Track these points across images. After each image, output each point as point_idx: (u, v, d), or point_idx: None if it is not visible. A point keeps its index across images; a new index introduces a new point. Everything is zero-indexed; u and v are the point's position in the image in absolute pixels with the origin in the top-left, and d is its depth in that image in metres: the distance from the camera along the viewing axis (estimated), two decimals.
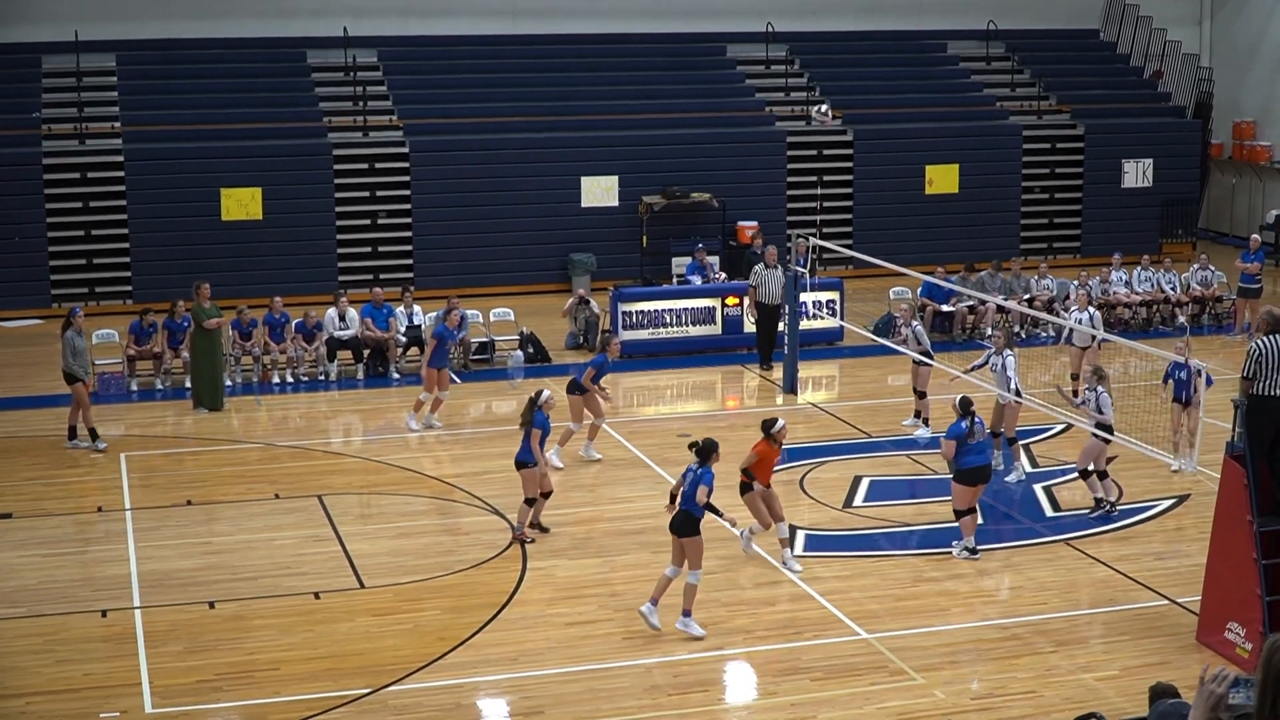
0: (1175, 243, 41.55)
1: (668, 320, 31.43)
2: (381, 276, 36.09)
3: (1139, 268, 34.32)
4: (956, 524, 20.05)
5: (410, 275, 36.68)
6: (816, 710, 15.74)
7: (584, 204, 37.92)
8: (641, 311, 31.33)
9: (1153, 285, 33.98)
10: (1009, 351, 23.24)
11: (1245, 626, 16.62)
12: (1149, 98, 43.82)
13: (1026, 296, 32.84)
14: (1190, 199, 42.56)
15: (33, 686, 16.32)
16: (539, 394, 20.96)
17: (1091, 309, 27.39)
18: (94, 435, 25.13)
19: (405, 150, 37.35)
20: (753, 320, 30.44)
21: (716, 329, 31.59)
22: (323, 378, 29.61)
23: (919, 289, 32.24)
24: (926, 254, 36.22)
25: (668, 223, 37.68)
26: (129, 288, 35.72)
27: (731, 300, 31.65)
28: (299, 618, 18.13)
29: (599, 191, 37.97)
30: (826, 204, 39.33)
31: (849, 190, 40.06)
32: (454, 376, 27.67)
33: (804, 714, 15.66)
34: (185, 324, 28.49)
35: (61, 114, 36.93)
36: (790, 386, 28.32)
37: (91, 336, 26.28)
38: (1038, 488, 22.92)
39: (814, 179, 39.33)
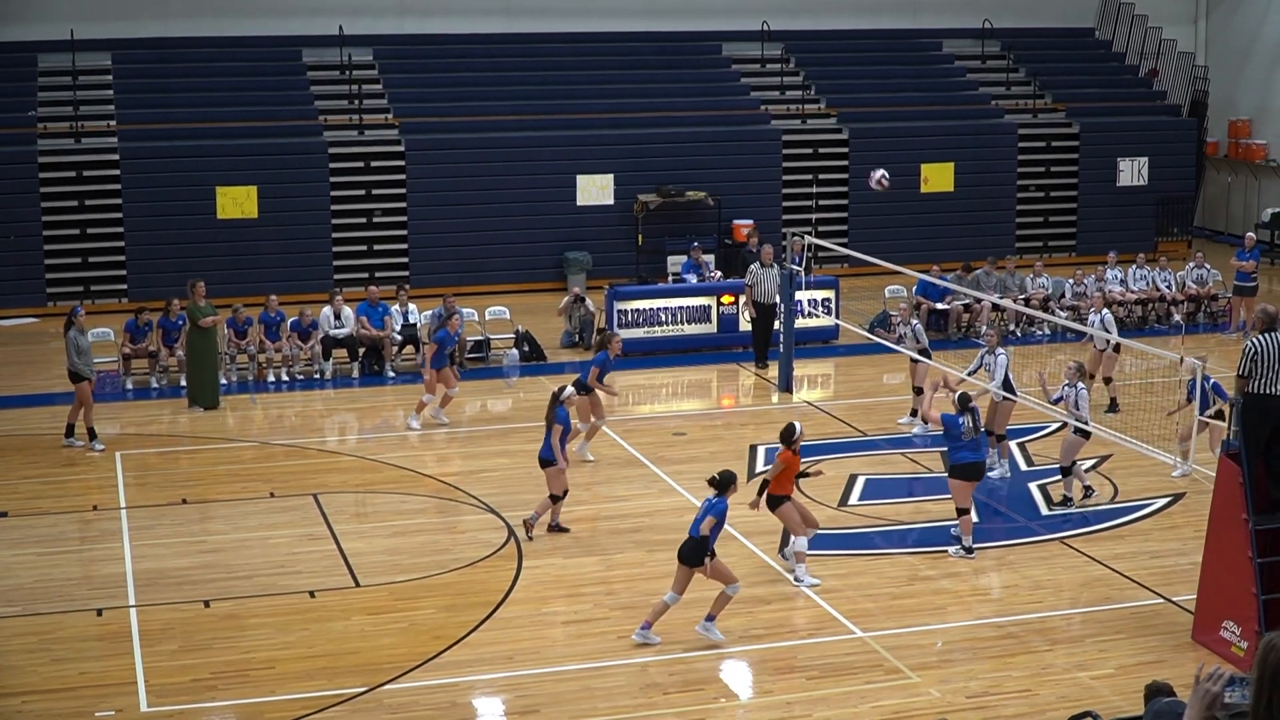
0: (1171, 241, 41.55)
1: (663, 319, 31.42)
2: (377, 275, 36.11)
3: (1134, 266, 34.33)
4: (955, 521, 20.10)
5: (406, 274, 36.67)
6: (812, 709, 15.74)
7: (579, 202, 37.91)
8: (637, 310, 31.32)
9: (1148, 283, 33.99)
10: (1001, 350, 23.25)
11: (1241, 625, 16.62)
12: (1144, 96, 43.83)
13: (1023, 296, 32.84)
14: (1186, 197, 42.58)
15: (28, 685, 16.31)
16: (562, 389, 21.06)
17: (1106, 310, 27.37)
18: (92, 435, 25.11)
19: (401, 149, 37.33)
20: (749, 319, 30.43)
21: (712, 327, 31.59)
22: (318, 376, 29.60)
23: (914, 287, 32.23)
24: (922, 252, 36.22)
25: (663, 221, 37.67)
26: (124, 286, 35.69)
27: (727, 299, 31.65)
28: (294, 616, 18.12)
29: (594, 190, 37.96)
30: (822, 202, 39.35)
31: (844, 189, 40.05)
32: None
33: (799, 712, 15.67)
34: (180, 322, 28.47)
35: (57, 112, 36.91)
36: (786, 385, 28.32)
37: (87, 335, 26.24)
38: (1032, 486, 22.93)
39: (809, 177, 39.36)
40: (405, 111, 38.41)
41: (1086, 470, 22.97)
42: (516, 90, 39.43)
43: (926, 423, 25.17)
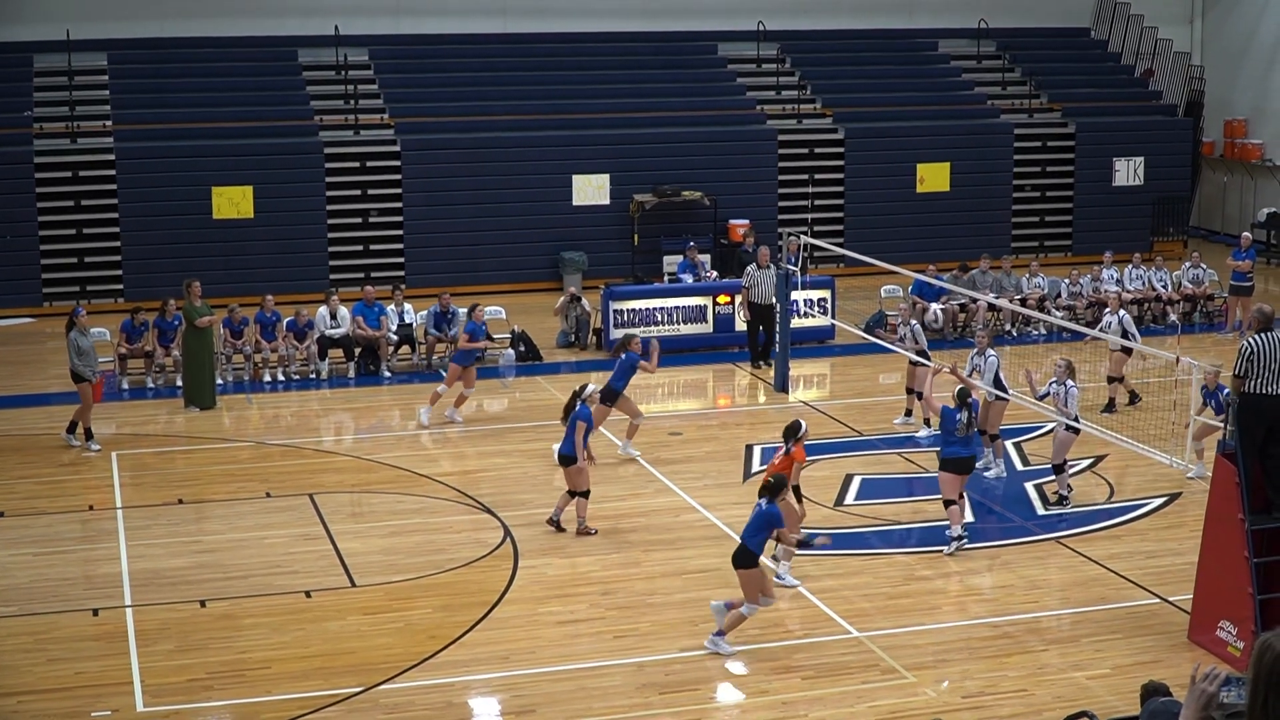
0: (1167, 241, 41.56)
1: (659, 318, 31.42)
2: (373, 275, 36.12)
3: (1130, 266, 34.34)
4: (946, 520, 20.19)
5: (401, 273, 36.68)
6: (808, 709, 15.74)
7: (575, 202, 37.91)
8: (633, 310, 31.33)
9: (1144, 283, 34.00)
10: (991, 352, 23.25)
11: (1237, 625, 16.63)
12: (1140, 96, 43.85)
13: (1019, 296, 32.85)
14: (1181, 197, 42.60)
15: (24, 685, 16.30)
16: (583, 388, 21.22)
17: (1123, 311, 27.37)
18: (89, 435, 25.11)
19: (396, 149, 37.33)
20: (745, 320, 30.44)
21: (708, 327, 31.59)
22: (314, 376, 29.60)
23: (910, 287, 32.22)
24: (918, 252, 36.22)
25: (659, 221, 37.68)
26: (120, 286, 35.68)
27: (723, 299, 31.66)
28: (290, 616, 18.12)
29: (590, 190, 37.96)
30: (818, 202, 39.36)
31: (840, 189, 40.06)
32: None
33: (795, 712, 15.66)
34: (176, 322, 28.47)
35: (53, 113, 36.90)
36: (782, 385, 28.32)
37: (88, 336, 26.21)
38: (1028, 485, 22.93)
39: (805, 177, 39.37)
40: (401, 111, 38.40)
41: (1078, 472, 22.98)
42: (512, 90, 39.43)
43: (928, 421, 25.22)
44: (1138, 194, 41.61)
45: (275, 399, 28.63)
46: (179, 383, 28.15)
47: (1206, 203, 45.69)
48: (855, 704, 15.80)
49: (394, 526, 21.31)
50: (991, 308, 31.93)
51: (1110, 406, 26.67)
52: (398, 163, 37.28)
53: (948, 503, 20.12)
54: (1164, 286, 34.06)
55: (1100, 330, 26.88)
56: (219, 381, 28.33)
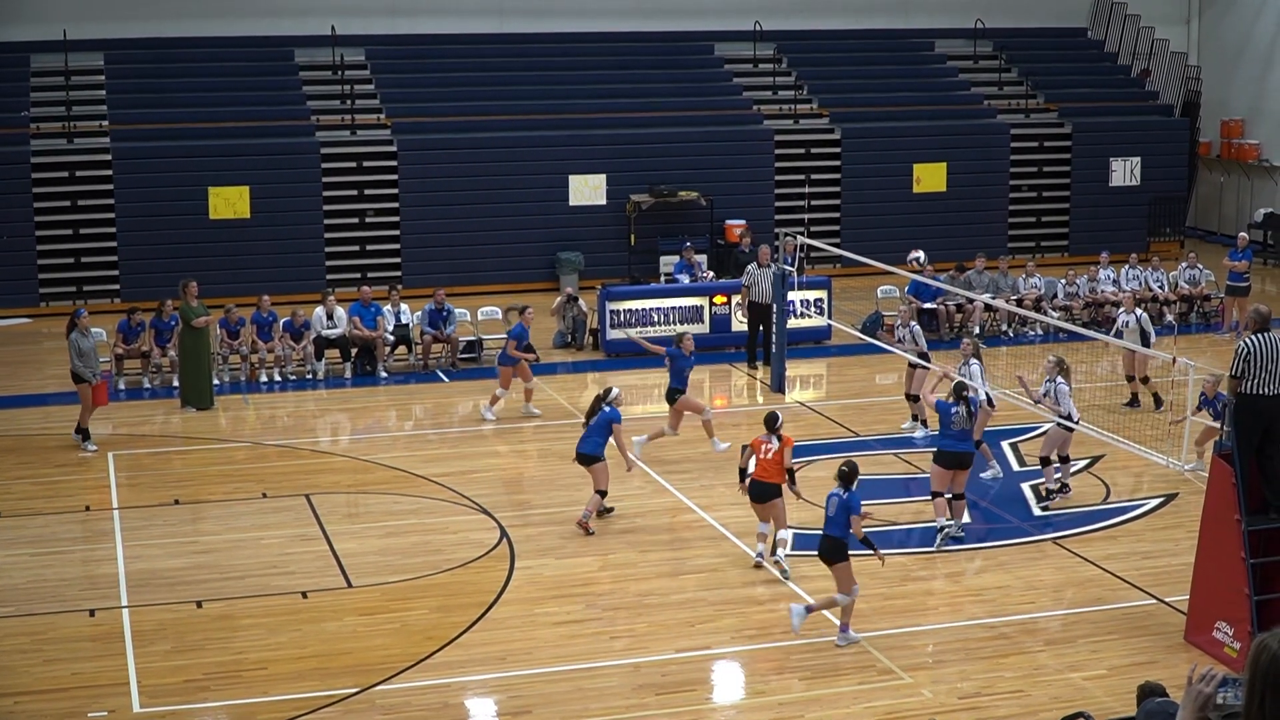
0: (1163, 241, 41.58)
1: (655, 319, 31.41)
2: (369, 275, 36.10)
3: (1127, 266, 34.36)
4: (950, 521, 20.23)
5: (398, 274, 36.68)
6: (804, 709, 15.74)
7: (572, 202, 37.91)
8: (629, 310, 31.33)
9: (1140, 283, 34.00)
10: (974, 360, 23.27)
11: (1233, 626, 16.64)
12: (1136, 96, 43.87)
13: (1015, 296, 32.85)
14: (1178, 197, 42.61)
15: (21, 686, 16.29)
16: (608, 391, 21.48)
17: (1139, 311, 27.36)
18: (86, 436, 25.10)
19: (393, 149, 37.32)
20: (744, 319, 30.44)
21: (704, 327, 31.57)
22: (310, 376, 29.59)
23: (906, 287, 32.21)
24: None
25: (655, 221, 37.68)
26: (116, 286, 35.67)
27: (719, 299, 31.67)
28: (286, 617, 18.12)
29: (587, 190, 37.96)
30: (814, 202, 39.36)
31: (837, 189, 40.06)
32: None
33: (792, 713, 15.66)
34: (173, 323, 28.47)
35: (50, 113, 36.89)
36: (778, 385, 28.32)
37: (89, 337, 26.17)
38: (1025, 486, 22.92)
39: (802, 178, 39.37)
40: (397, 111, 38.40)
41: (1076, 472, 22.99)
42: (508, 90, 39.43)
43: (924, 422, 25.26)
44: (1134, 194, 41.62)
45: (272, 399, 28.63)
46: (175, 383, 28.16)
47: (1203, 203, 45.71)
48: (852, 705, 15.81)
49: (390, 527, 21.30)
50: (988, 308, 31.95)
51: (1133, 401, 26.71)
52: (394, 163, 37.28)
53: (934, 494, 20.20)
54: (1160, 287, 34.07)
55: (1118, 329, 26.96)
56: (215, 382, 28.31)
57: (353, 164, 37.26)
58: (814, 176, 39.70)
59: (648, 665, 16.77)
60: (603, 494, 21.24)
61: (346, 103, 38.38)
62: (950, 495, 20.40)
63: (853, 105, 41.07)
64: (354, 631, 17.73)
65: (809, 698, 16.00)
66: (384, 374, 29.80)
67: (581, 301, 32.15)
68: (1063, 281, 33.92)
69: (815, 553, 18.35)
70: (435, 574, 19.46)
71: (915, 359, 25.32)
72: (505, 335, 27.22)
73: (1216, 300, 34.18)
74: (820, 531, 17.68)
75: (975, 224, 40.05)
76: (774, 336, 28.63)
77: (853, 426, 26.20)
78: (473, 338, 30.90)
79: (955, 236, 38.97)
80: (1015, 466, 24.06)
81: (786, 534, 19.68)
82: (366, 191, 37.36)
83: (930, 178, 40.23)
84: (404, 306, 30.63)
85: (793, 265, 28.50)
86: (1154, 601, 18.57)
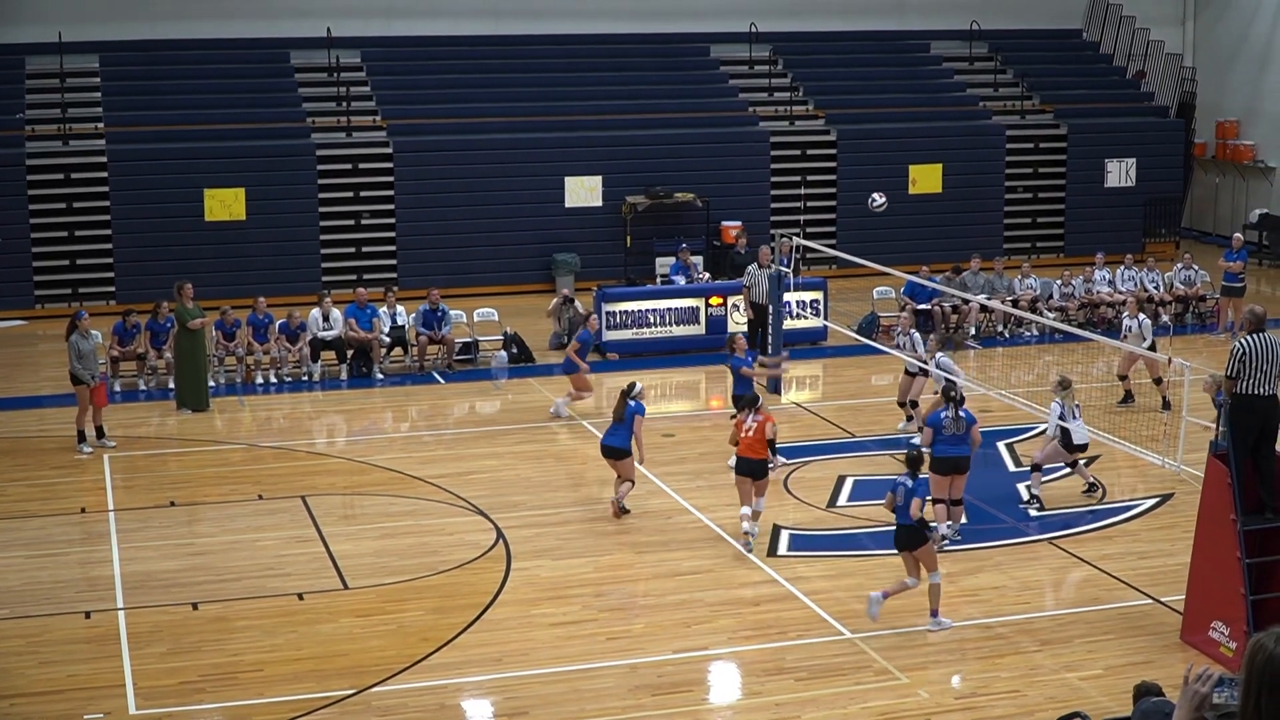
0: (1158, 242, 41.62)
1: (651, 320, 31.43)
2: (365, 277, 36.06)
3: (1122, 267, 34.38)
4: (947, 522, 20.28)
5: (394, 275, 36.66)
6: (801, 710, 15.74)
7: (568, 204, 37.90)
8: (625, 312, 31.34)
9: (1136, 284, 34.01)
10: (942, 355, 23.39)
11: (1229, 626, 16.65)
12: (1132, 97, 43.89)
13: (1011, 297, 32.87)
14: (1173, 198, 42.63)
15: (16, 688, 16.28)
16: (632, 386, 21.92)
17: (1142, 315, 27.35)
18: (81, 437, 25.10)
19: (389, 150, 37.32)
20: (746, 320, 30.46)
21: (700, 329, 31.59)
22: (306, 378, 29.58)
23: (902, 288, 32.23)
24: (910, 254, 36.23)
25: (651, 223, 37.68)
26: (112, 289, 35.66)
27: (715, 300, 31.68)
28: (282, 619, 18.11)
29: (583, 192, 37.96)
30: (810, 204, 39.36)
31: (833, 190, 40.08)
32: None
33: (788, 714, 15.66)
34: (169, 325, 28.46)
35: (45, 115, 36.86)
36: (774, 386, 28.31)
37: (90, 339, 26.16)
38: (1020, 487, 22.91)
39: (798, 179, 39.36)
40: (393, 113, 38.39)
41: (1067, 475, 23.00)
42: (504, 92, 39.43)
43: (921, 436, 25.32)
44: (1130, 195, 41.64)
45: (267, 401, 28.62)
46: (171, 385, 28.15)
47: (1198, 204, 45.73)
48: (848, 705, 15.81)
49: (386, 528, 21.30)
50: (984, 309, 31.97)
51: (1165, 405, 26.68)
52: (390, 164, 37.27)
53: (935, 501, 20.23)
54: (1156, 288, 34.08)
55: (1124, 334, 26.98)
56: (211, 384, 28.29)
57: (348, 166, 37.26)
58: (810, 178, 39.69)
59: (644, 666, 16.77)
60: (631, 483, 21.61)
61: (342, 104, 38.37)
62: (949, 500, 20.42)
63: (848, 107, 41.07)
64: (350, 633, 17.72)
65: (805, 698, 16.01)
66: (380, 376, 29.79)
67: (578, 303, 32.15)
68: (1058, 282, 33.93)
69: (811, 553, 18.33)
70: (431, 575, 19.45)
71: (913, 365, 25.30)
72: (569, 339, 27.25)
73: (1212, 301, 34.19)
74: (816, 532, 17.67)
75: (971, 225, 40.05)
76: (770, 337, 28.62)
77: (848, 427, 26.19)
78: (468, 339, 30.89)
79: (951, 238, 38.96)
80: (1011, 467, 24.06)
81: (761, 505, 20.47)
82: (362, 193, 37.35)
83: (926, 179, 40.24)
84: (400, 308, 30.62)
85: (788, 267, 28.51)
86: (1150, 601, 18.58)
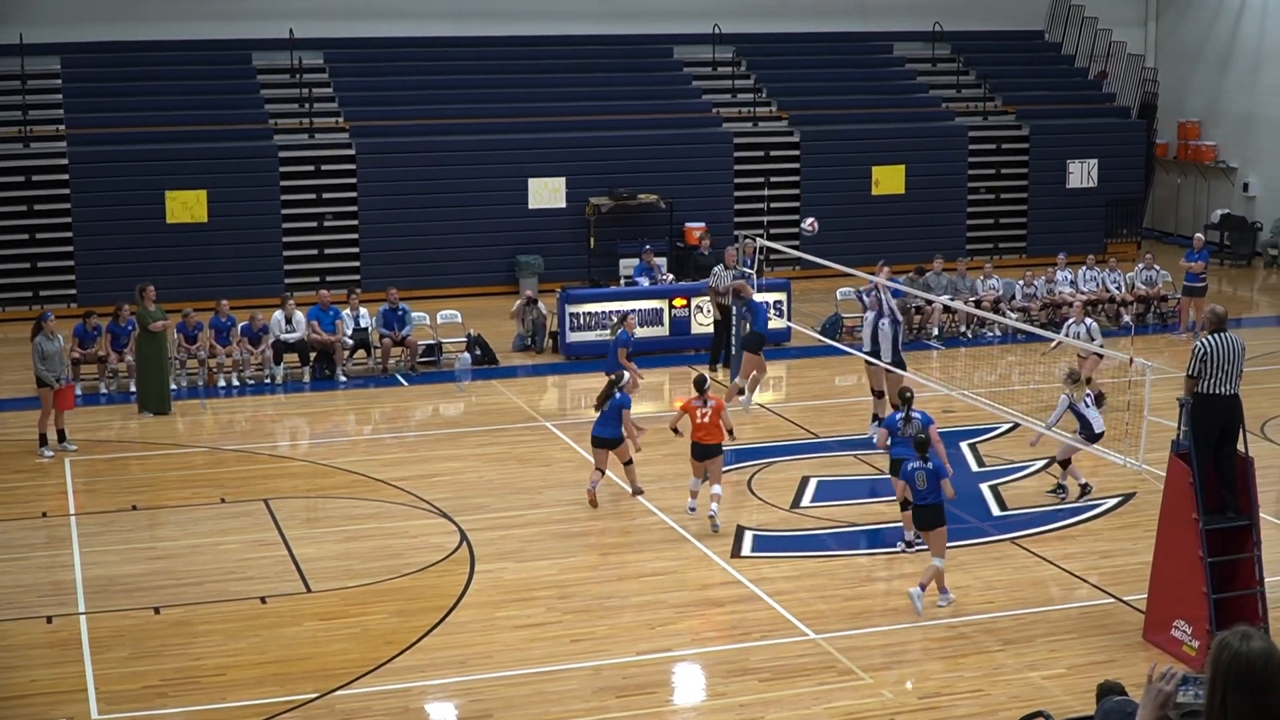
0: (1120, 242, 41.75)
1: (615, 321, 31.37)
2: (328, 279, 35.94)
3: (1084, 267, 34.49)
4: (901, 524, 20.35)
5: (357, 278, 36.56)
6: (765, 711, 15.74)
7: (531, 205, 37.86)
8: (589, 313, 31.32)
9: (1098, 285, 34.13)
10: (885, 320, 24.56)
11: (1192, 624, 16.70)
12: (1094, 98, 44.03)
13: (973, 298, 32.94)
14: (1135, 199, 42.79)
15: None
16: (619, 377, 22.50)
17: (1089, 320, 27.40)
18: (43, 441, 24.98)
19: (351, 152, 37.24)
20: (707, 321, 30.45)
21: (664, 330, 31.59)
22: (269, 381, 29.49)
23: (865, 289, 32.21)
24: (873, 254, 35.96)
25: (615, 224, 37.66)
26: (73, 291, 35.50)
27: (679, 301, 31.68)
28: (245, 623, 18.04)
29: (546, 193, 37.92)
30: (773, 205, 39.40)
31: (796, 191, 40.11)
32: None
33: (752, 715, 15.66)
34: (130, 327, 28.34)
35: (6, 117, 36.66)
36: (738, 387, 28.27)
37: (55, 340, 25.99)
38: (984, 487, 22.97)
39: (761, 180, 39.40)
40: (356, 115, 38.30)
41: (1036, 472, 23.06)
42: (467, 93, 39.38)
43: (876, 417, 25.40)
44: (1091, 196, 41.77)
45: (230, 404, 28.54)
46: (133, 388, 28.02)
47: (1160, 204, 45.92)
48: (812, 705, 15.82)
49: (349, 531, 21.25)
50: (947, 310, 32.03)
51: (1099, 401, 26.71)
52: (353, 166, 37.19)
53: (901, 503, 20.25)
54: (1118, 288, 34.20)
55: (1069, 336, 27.01)
56: (173, 386, 28.19)
57: (311, 167, 37.16)
58: (773, 179, 39.75)
59: (609, 668, 16.75)
60: (629, 462, 22.25)
61: (305, 106, 38.27)
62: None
63: (812, 108, 41.12)
64: (313, 636, 17.67)
65: (769, 699, 16.00)
66: (343, 378, 29.72)
67: (541, 304, 32.13)
68: (1020, 283, 34.02)
69: (775, 554, 18.29)
70: (395, 578, 19.40)
71: (870, 358, 25.31)
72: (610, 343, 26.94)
73: (1173, 301, 34.32)
74: (780, 533, 17.67)
75: (933, 226, 40.11)
76: (733, 339, 28.62)
77: (812, 428, 26.21)
78: (432, 341, 30.84)
79: (914, 239, 39.00)
80: (974, 467, 24.10)
81: (719, 488, 21.04)
82: (325, 195, 37.26)
83: (889, 180, 40.31)
84: (363, 310, 30.56)
85: (752, 268, 28.51)
86: (1112, 600, 18.63)
